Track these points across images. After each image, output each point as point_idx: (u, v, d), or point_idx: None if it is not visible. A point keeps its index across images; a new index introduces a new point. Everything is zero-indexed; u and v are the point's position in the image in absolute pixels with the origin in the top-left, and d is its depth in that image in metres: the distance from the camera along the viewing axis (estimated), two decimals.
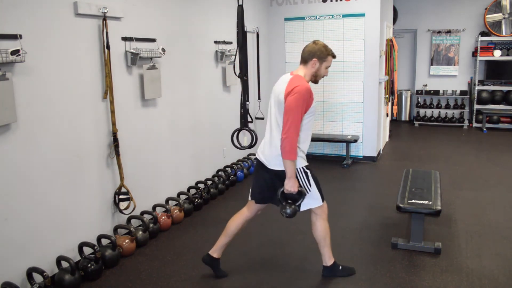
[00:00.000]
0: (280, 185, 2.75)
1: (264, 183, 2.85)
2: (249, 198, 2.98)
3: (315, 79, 2.79)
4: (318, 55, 2.71)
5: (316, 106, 2.78)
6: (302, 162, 2.78)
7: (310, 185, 2.80)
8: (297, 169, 2.74)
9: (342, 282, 3.00)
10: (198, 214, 4.37)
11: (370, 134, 6.23)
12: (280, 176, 2.74)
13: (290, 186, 2.67)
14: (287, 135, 2.58)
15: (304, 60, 2.75)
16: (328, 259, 3.02)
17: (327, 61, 2.74)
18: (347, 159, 6.15)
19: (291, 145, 2.58)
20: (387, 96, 6.95)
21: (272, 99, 2.76)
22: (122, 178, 3.55)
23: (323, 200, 2.86)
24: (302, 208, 2.82)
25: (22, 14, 2.72)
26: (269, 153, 2.77)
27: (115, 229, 3.54)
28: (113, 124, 3.44)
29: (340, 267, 3.06)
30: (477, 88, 8.58)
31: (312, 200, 2.83)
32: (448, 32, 8.87)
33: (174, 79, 4.31)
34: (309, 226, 2.99)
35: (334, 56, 2.76)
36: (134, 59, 3.64)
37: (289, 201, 2.76)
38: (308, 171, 2.79)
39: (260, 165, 2.86)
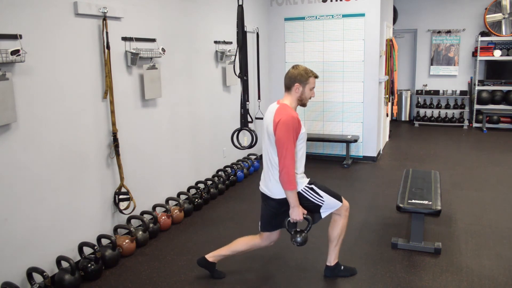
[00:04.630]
0: (286, 214, 2.76)
1: (271, 212, 2.86)
2: (260, 230, 2.97)
3: (301, 103, 2.79)
4: (299, 79, 2.71)
5: (306, 132, 2.79)
6: (304, 182, 2.79)
7: (321, 196, 2.80)
8: (302, 190, 2.76)
9: (342, 282, 3.00)
10: (198, 214, 4.38)
11: (370, 134, 6.23)
12: (284, 203, 2.74)
13: (295, 215, 2.70)
14: (283, 166, 2.60)
15: (287, 87, 2.76)
16: (333, 259, 3.02)
17: (310, 83, 2.73)
18: (347, 159, 6.15)
19: (289, 176, 2.61)
20: (387, 96, 6.95)
21: (264, 128, 2.77)
22: (122, 178, 3.55)
23: (341, 200, 2.87)
24: (324, 215, 2.84)
25: (22, 14, 2.72)
26: (269, 183, 2.79)
27: (115, 229, 3.54)
28: (113, 124, 3.44)
29: (342, 267, 3.06)
30: (477, 88, 8.58)
31: (330, 207, 2.84)
32: (448, 32, 8.87)
33: (174, 79, 4.31)
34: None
35: (316, 77, 2.77)
36: (134, 59, 3.64)
37: (297, 229, 2.79)
38: (312, 185, 2.80)
39: (264, 196, 2.88)
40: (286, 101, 2.74)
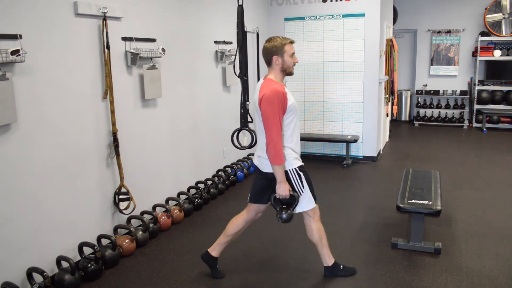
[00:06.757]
0: (273, 189, 2.75)
1: (259, 185, 2.87)
2: (248, 201, 2.99)
3: (286, 72, 2.77)
4: (275, 51, 2.70)
5: (297, 104, 2.78)
6: (296, 163, 2.76)
7: (303, 186, 2.78)
8: (289, 170, 2.74)
9: (342, 282, 3.00)
10: (198, 214, 4.38)
11: (370, 134, 6.23)
12: (273, 178, 2.73)
13: (281, 190, 2.68)
14: (270, 140, 2.60)
15: (268, 62, 2.77)
16: (328, 260, 3.02)
17: (287, 51, 2.72)
18: (347, 159, 6.15)
19: (276, 150, 2.60)
20: (387, 96, 6.95)
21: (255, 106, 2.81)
22: (122, 178, 3.55)
23: (314, 203, 2.85)
24: (297, 211, 2.81)
25: (22, 14, 2.72)
26: (261, 156, 2.80)
27: (115, 229, 3.54)
28: (113, 124, 3.44)
29: (341, 266, 3.06)
30: (477, 88, 8.58)
31: (306, 202, 2.81)
32: (448, 32, 8.87)
33: (174, 79, 4.31)
34: None
35: (292, 42, 2.75)
36: (134, 59, 3.64)
37: (283, 206, 2.75)
38: (301, 173, 2.78)
39: (256, 168, 2.90)
40: (270, 76, 2.75)
